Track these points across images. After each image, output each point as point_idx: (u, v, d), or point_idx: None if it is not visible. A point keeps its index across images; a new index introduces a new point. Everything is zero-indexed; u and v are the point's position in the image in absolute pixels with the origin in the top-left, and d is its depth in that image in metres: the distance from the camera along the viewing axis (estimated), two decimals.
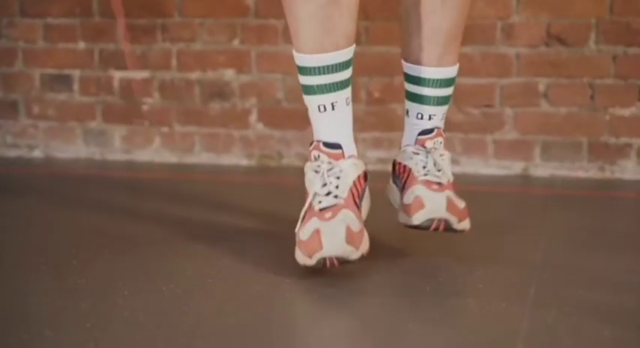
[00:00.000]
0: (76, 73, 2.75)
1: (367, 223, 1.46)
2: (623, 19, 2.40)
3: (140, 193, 2.26)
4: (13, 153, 2.81)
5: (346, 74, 1.42)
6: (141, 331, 1.19)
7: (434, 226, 1.43)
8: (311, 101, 1.43)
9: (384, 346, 1.19)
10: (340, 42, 1.39)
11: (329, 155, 1.41)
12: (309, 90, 1.43)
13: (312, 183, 1.40)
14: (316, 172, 1.41)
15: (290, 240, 1.68)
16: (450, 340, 1.18)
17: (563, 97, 2.46)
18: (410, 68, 1.54)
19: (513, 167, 2.50)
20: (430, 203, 1.43)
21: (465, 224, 1.48)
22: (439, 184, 1.46)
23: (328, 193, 1.39)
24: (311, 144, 1.46)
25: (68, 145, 2.78)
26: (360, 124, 2.52)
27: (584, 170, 2.46)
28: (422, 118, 1.52)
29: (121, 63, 2.71)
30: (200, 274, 1.47)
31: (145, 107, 2.72)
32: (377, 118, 2.55)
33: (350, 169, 1.40)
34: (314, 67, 1.41)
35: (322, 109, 1.42)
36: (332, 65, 1.40)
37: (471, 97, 2.50)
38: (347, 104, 1.43)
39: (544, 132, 2.47)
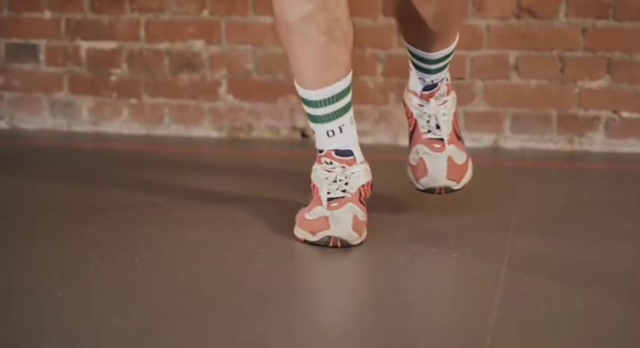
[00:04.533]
0: (42, 43, 2.71)
1: None
2: None
3: (108, 165, 2.24)
4: None
5: (348, 98, 1.48)
6: (112, 301, 1.18)
7: (437, 191, 1.59)
8: (319, 128, 1.49)
9: (359, 315, 1.19)
10: (341, 73, 1.46)
11: (341, 162, 1.48)
12: (317, 119, 1.49)
13: (323, 179, 1.47)
14: (329, 172, 1.48)
15: (261, 211, 1.68)
16: (424, 309, 1.18)
17: (533, 69, 2.46)
18: (411, 47, 1.59)
19: (483, 139, 2.51)
20: (432, 169, 1.58)
21: (465, 180, 1.61)
22: (441, 141, 1.59)
23: (337, 189, 1.46)
24: (320, 151, 1.50)
25: (34, 116, 2.74)
26: None
27: (554, 142, 2.48)
28: (424, 81, 1.62)
29: (88, 33, 2.67)
30: (172, 244, 1.46)
31: (113, 78, 2.68)
32: None
33: (362, 173, 1.48)
34: (319, 101, 1.47)
35: (331, 134, 1.48)
36: (335, 95, 1.46)
37: None
38: (351, 123, 1.49)
39: (514, 104, 2.48)
